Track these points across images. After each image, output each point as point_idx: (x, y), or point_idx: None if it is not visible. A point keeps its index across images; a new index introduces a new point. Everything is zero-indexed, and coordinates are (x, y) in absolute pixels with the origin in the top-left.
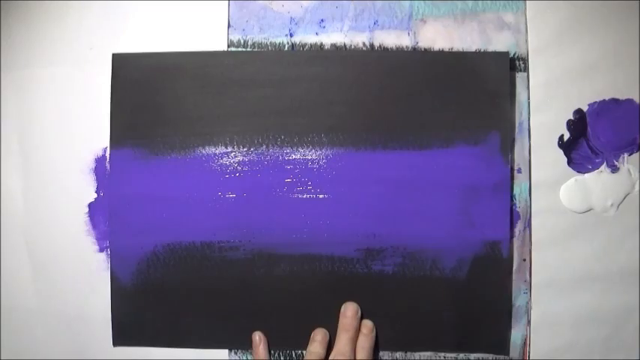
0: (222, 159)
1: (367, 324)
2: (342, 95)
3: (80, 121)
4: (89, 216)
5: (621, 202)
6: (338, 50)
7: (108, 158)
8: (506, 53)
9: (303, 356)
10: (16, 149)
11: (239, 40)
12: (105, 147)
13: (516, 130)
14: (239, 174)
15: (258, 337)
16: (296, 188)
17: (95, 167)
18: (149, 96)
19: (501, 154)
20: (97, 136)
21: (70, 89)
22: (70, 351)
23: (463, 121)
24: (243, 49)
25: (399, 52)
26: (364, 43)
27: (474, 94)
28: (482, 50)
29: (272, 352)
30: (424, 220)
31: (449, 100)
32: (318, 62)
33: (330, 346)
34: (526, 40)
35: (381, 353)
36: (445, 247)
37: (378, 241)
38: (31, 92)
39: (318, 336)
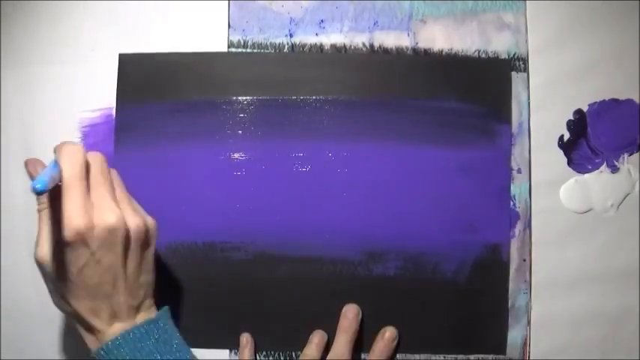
0: (224, 160)
1: (391, 330)
2: (344, 97)
3: (83, 120)
4: None
5: (621, 202)
6: (340, 53)
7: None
8: (508, 61)
9: None
10: (18, 148)
11: (239, 41)
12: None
13: (516, 130)
14: (241, 175)
15: (245, 339)
16: (298, 190)
17: None
18: (154, 96)
19: (502, 156)
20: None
21: (72, 88)
22: (70, 350)
23: (464, 125)
24: (244, 50)
25: (400, 56)
26: (364, 44)
27: (475, 97)
28: (482, 50)
29: (273, 353)
30: (425, 223)
31: (449, 103)
32: (320, 65)
33: (327, 349)
34: (526, 40)
35: None
36: (446, 251)
37: (379, 244)
38: (34, 90)
39: (316, 338)
